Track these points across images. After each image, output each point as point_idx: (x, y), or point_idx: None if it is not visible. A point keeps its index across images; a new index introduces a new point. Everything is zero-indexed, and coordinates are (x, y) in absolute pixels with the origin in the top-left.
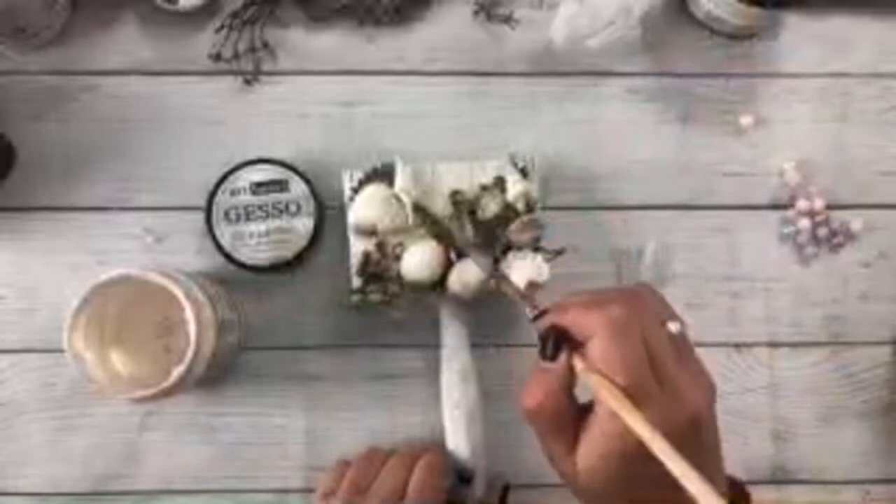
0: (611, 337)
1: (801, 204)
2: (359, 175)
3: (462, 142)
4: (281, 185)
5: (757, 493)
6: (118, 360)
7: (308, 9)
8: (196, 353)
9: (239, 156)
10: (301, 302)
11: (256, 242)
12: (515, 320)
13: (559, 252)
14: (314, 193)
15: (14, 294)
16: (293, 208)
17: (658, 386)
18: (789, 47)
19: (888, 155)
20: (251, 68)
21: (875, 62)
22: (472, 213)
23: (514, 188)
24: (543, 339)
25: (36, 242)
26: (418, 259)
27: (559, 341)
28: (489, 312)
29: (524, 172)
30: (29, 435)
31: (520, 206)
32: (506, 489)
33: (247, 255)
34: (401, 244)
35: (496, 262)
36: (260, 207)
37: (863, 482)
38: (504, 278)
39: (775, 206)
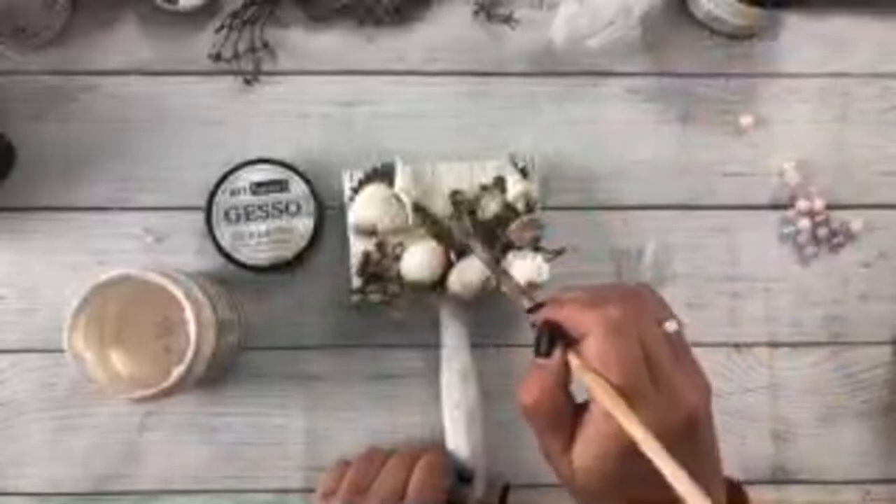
0: (606, 336)
1: (801, 204)
2: (359, 175)
3: (462, 142)
4: (281, 185)
5: (757, 493)
6: (118, 360)
7: (308, 9)
8: (196, 353)
9: (239, 156)
10: (301, 302)
11: (256, 242)
12: (515, 320)
13: (559, 252)
14: (314, 193)
15: (14, 294)
16: (293, 208)
17: (653, 386)
18: (789, 47)
19: (888, 155)
20: (251, 68)
21: (875, 62)
22: (472, 213)
23: (514, 188)
24: (538, 334)
25: (36, 242)
26: (418, 259)
27: (553, 337)
28: (489, 312)
29: (524, 172)
30: (29, 435)
31: (520, 206)
32: (506, 489)
33: (247, 255)
34: (401, 244)
35: (496, 262)
36: (260, 207)
37: (863, 482)
38: (504, 273)
39: (775, 206)
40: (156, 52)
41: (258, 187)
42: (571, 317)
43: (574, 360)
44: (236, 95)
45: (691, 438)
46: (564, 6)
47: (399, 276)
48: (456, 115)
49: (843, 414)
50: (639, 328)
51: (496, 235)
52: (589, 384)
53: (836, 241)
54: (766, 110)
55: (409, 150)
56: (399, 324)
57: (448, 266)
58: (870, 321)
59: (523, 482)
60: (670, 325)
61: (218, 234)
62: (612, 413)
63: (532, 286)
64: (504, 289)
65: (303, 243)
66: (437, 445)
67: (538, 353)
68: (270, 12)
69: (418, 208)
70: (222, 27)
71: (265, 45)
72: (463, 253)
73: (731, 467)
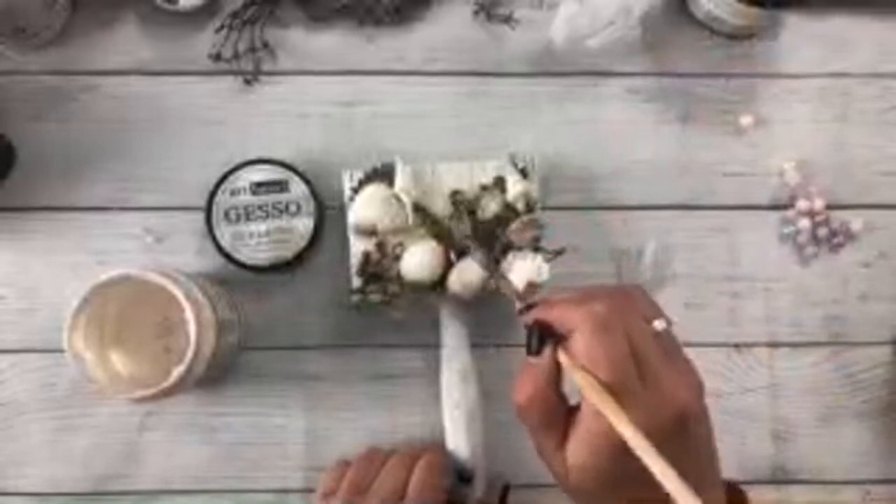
0: (592, 332)
1: (801, 204)
2: (359, 175)
3: (462, 142)
4: (281, 186)
5: (757, 494)
6: (118, 360)
7: (308, 9)
8: (196, 353)
9: (239, 156)
10: (301, 302)
11: (256, 242)
12: (515, 320)
13: (559, 252)
14: (314, 193)
15: (14, 294)
16: (293, 208)
17: (641, 382)
18: (789, 47)
19: (888, 155)
20: (251, 68)
21: (875, 62)
22: (472, 213)
23: (514, 188)
24: (528, 333)
25: (36, 242)
26: (418, 259)
27: (543, 336)
28: (489, 312)
29: (524, 172)
30: (29, 435)
31: (520, 206)
32: (506, 489)
33: (247, 255)
34: (401, 244)
35: (496, 262)
36: (260, 207)
37: (863, 482)
38: (503, 277)
39: (775, 206)
40: (156, 52)
41: (258, 187)
42: (559, 315)
43: (563, 357)
44: (236, 95)
45: (682, 435)
46: (564, 6)
47: (399, 276)
48: (456, 115)
49: (843, 414)
50: (625, 324)
51: (496, 235)
52: (578, 382)
53: (836, 241)
54: (766, 110)
55: (409, 150)
56: (399, 324)
57: (448, 266)
58: (870, 321)
59: (523, 482)
60: (659, 324)
61: (218, 234)
62: (601, 410)
63: (532, 286)
64: (503, 291)
65: (303, 243)
66: (437, 445)
67: (529, 352)
68: (270, 12)
69: (418, 208)
70: (222, 27)
71: (265, 45)
72: (463, 253)
73: (731, 467)
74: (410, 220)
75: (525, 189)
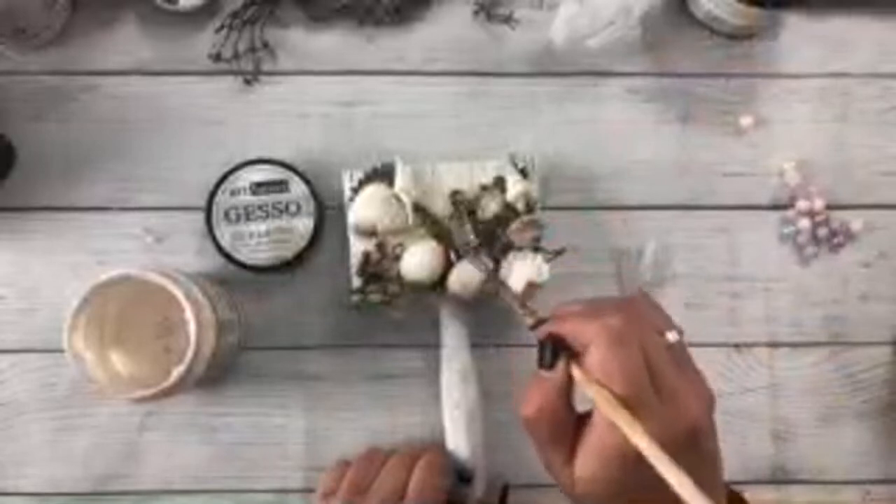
0: (609, 346)
1: (801, 204)
2: (359, 175)
3: (462, 142)
4: (281, 186)
5: (757, 494)
6: (118, 360)
7: (308, 9)
8: (196, 354)
9: (239, 156)
10: (301, 302)
11: (256, 242)
12: (515, 320)
13: (559, 252)
14: (314, 193)
15: (14, 294)
16: (293, 208)
17: (656, 396)
18: (789, 47)
19: (888, 155)
20: (251, 68)
21: (875, 62)
22: (472, 213)
23: (514, 188)
24: (541, 347)
25: (36, 242)
26: (418, 259)
27: (556, 350)
28: (489, 312)
29: (524, 172)
30: (29, 435)
31: (520, 206)
32: (506, 489)
33: (247, 255)
34: (401, 244)
35: (496, 262)
36: (260, 207)
37: (863, 482)
38: (503, 284)
39: (775, 206)
40: (156, 52)
41: (258, 187)
42: (573, 329)
43: (577, 372)
44: (236, 95)
45: (694, 448)
46: (564, 6)
47: (399, 276)
48: (456, 115)
49: (843, 414)
50: (640, 338)
51: (496, 235)
52: (593, 395)
53: (836, 241)
54: (766, 110)
55: (409, 150)
56: (399, 324)
57: (448, 266)
58: (870, 321)
59: (523, 482)
60: (672, 336)
61: (218, 234)
62: (615, 423)
63: (532, 286)
64: (504, 299)
65: (303, 243)
66: (437, 445)
67: (542, 366)
68: (270, 12)
69: (418, 208)
70: (222, 27)
71: (265, 45)
72: (462, 254)
73: (731, 467)
74: (410, 220)
75: (525, 189)
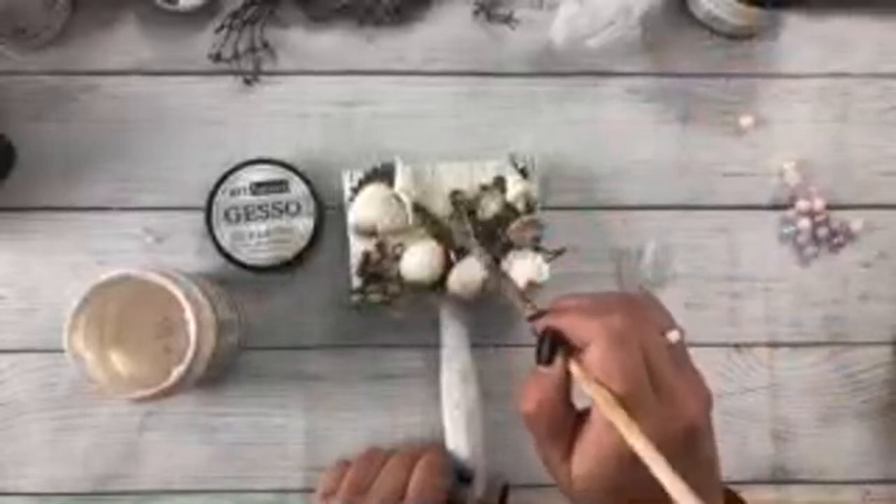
0: (609, 346)
1: (801, 204)
2: (359, 175)
3: (462, 142)
4: (281, 185)
5: (757, 494)
6: (118, 360)
7: (308, 9)
8: (196, 354)
9: (239, 156)
10: (301, 302)
11: (256, 242)
12: (515, 320)
13: (559, 252)
14: (314, 193)
15: (14, 294)
16: (293, 208)
17: (655, 395)
18: (789, 47)
19: (888, 155)
20: (251, 68)
21: (875, 62)
22: (472, 213)
23: (514, 188)
24: (539, 342)
25: (36, 242)
26: (418, 259)
27: (555, 344)
28: (489, 312)
29: (524, 172)
30: (29, 435)
31: (520, 206)
32: (506, 489)
33: (247, 255)
34: (401, 244)
35: (496, 261)
36: (260, 207)
37: (863, 482)
38: (504, 276)
39: (775, 206)
40: (156, 52)
41: (258, 187)
42: (573, 325)
43: (576, 369)
44: (236, 95)
45: (691, 450)
46: (564, 6)
47: (399, 276)
48: (456, 115)
49: (843, 414)
50: (641, 337)
51: (496, 235)
52: (591, 393)
53: (836, 241)
54: (766, 110)
55: (409, 150)
56: (399, 324)
57: (448, 266)
58: (870, 321)
59: (523, 482)
60: (673, 336)
61: (218, 234)
62: (613, 422)
63: (532, 286)
64: (504, 293)
65: (303, 243)
66: (437, 445)
67: (540, 361)
68: (270, 12)
69: (418, 208)
70: (222, 27)
71: (265, 45)
72: (463, 253)
73: (731, 467)
74: (410, 220)
75: (525, 189)
